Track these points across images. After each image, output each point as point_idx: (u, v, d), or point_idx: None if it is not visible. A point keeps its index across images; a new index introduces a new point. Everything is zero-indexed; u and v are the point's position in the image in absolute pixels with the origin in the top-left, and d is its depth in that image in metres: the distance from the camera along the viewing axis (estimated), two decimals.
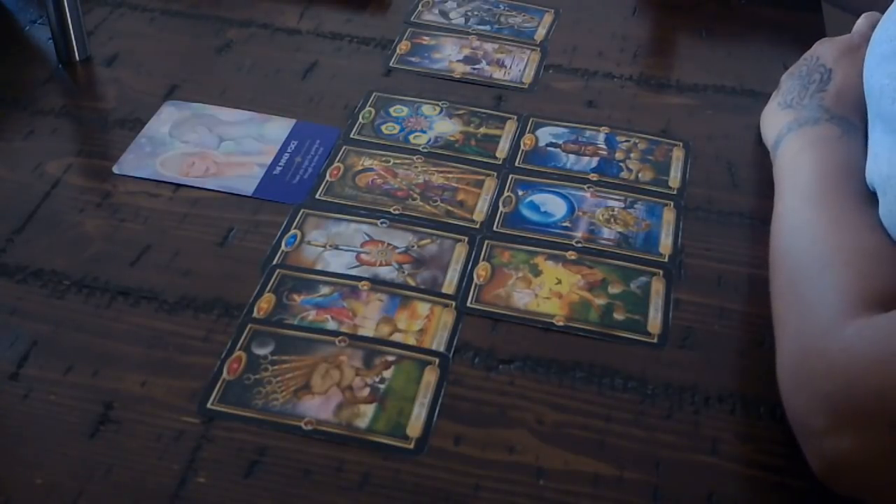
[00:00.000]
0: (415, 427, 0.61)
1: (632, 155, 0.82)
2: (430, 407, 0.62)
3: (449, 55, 0.93)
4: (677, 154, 0.82)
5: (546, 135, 0.84)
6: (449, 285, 0.70)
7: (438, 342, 0.66)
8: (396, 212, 0.76)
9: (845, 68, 0.76)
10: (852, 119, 0.72)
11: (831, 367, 0.54)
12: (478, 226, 0.75)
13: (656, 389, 0.64)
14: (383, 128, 0.84)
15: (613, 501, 0.58)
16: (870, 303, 0.56)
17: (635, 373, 0.65)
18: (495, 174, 0.79)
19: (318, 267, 0.71)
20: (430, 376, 0.64)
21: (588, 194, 0.78)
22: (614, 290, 0.70)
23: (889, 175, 0.61)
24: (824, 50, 0.79)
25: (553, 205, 0.77)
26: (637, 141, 0.83)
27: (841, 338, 0.55)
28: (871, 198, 0.64)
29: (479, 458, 0.60)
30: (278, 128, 0.84)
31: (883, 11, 0.81)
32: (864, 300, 0.56)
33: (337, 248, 0.73)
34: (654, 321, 0.68)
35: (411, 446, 0.60)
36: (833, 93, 0.75)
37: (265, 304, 0.68)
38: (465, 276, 0.71)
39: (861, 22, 0.82)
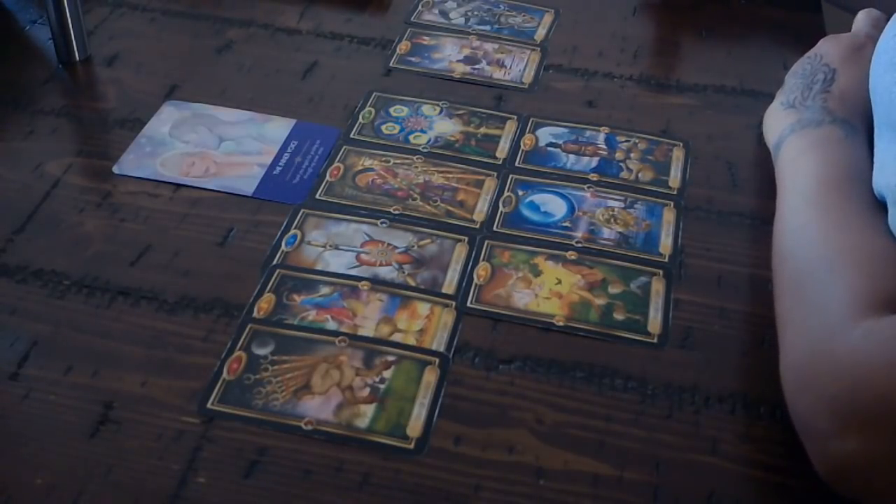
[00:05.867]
0: (415, 427, 0.61)
1: (632, 155, 0.82)
2: (430, 407, 0.62)
3: (449, 55, 0.93)
4: (677, 154, 0.82)
5: (546, 135, 0.84)
6: (449, 285, 0.70)
7: (438, 342, 0.66)
8: (396, 212, 0.76)
9: (849, 69, 0.76)
10: (855, 122, 0.72)
11: (838, 369, 0.54)
12: (478, 226, 0.75)
13: (656, 389, 0.64)
14: (383, 128, 0.84)
15: (613, 501, 0.58)
16: (879, 305, 0.56)
17: (635, 373, 0.65)
18: (495, 174, 0.79)
19: (318, 267, 0.71)
20: (430, 376, 0.64)
21: (588, 194, 0.78)
22: (614, 290, 0.70)
23: None
24: (829, 49, 0.79)
25: (553, 205, 0.77)
26: (637, 141, 0.83)
27: (848, 339, 0.55)
28: (876, 201, 0.64)
29: (479, 458, 0.60)
30: (278, 128, 0.84)
31: (882, 9, 0.81)
32: (873, 302, 0.56)
33: (337, 248, 0.73)
34: (654, 321, 0.68)
35: (411, 446, 0.60)
36: (836, 94, 0.74)
37: (265, 304, 0.68)
38: (465, 276, 0.71)
39: (861, 19, 0.82)
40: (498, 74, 0.91)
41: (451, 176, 0.79)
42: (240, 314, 0.68)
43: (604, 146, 0.83)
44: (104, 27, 0.95)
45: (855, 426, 0.53)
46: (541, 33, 0.96)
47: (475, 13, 0.99)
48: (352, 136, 0.83)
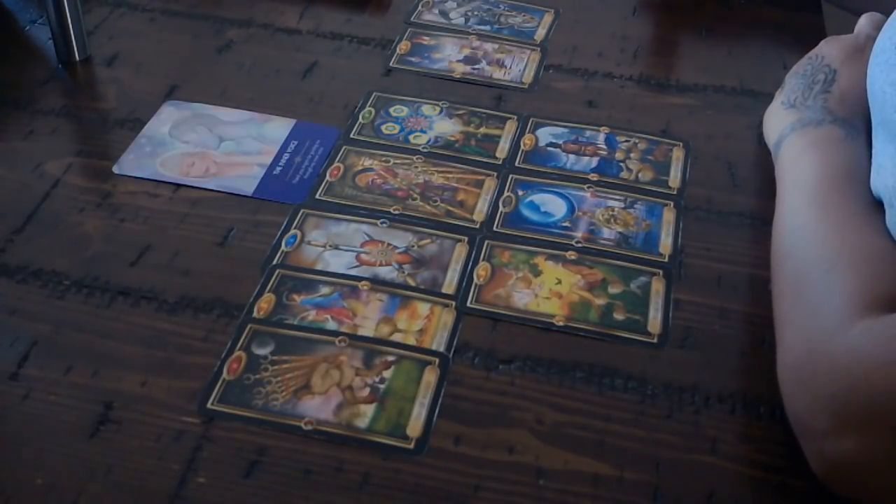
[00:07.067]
0: (415, 427, 0.61)
1: (632, 155, 0.82)
2: (430, 407, 0.62)
3: (449, 55, 0.93)
4: (677, 154, 0.82)
5: (546, 135, 0.84)
6: (449, 285, 0.70)
7: (438, 342, 0.66)
8: (396, 212, 0.76)
9: (850, 70, 0.76)
10: (855, 122, 0.72)
11: (835, 368, 0.54)
12: (478, 226, 0.75)
13: (656, 389, 0.64)
14: (383, 128, 0.84)
15: (613, 501, 0.58)
16: (876, 305, 0.56)
17: (635, 373, 0.65)
18: (495, 174, 0.79)
19: (318, 267, 0.71)
20: (430, 376, 0.64)
21: (588, 194, 0.78)
22: (614, 290, 0.70)
23: (895, 186, 0.61)
24: (830, 49, 0.79)
25: (553, 205, 0.77)
26: (637, 141, 0.83)
27: (846, 339, 0.55)
28: (875, 201, 0.64)
29: (479, 458, 0.60)
30: (278, 128, 0.84)
31: (884, 11, 0.81)
32: (871, 302, 0.56)
33: (337, 248, 0.73)
34: (654, 321, 0.68)
35: (411, 446, 0.60)
36: (837, 94, 0.74)
37: (265, 304, 0.68)
38: (465, 276, 0.71)
39: (863, 22, 0.82)
40: (498, 74, 0.91)
41: (451, 176, 0.79)
42: (240, 314, 0.68)
43: (604, 146, 0.83)
44: (104, 27, 0.95)
45: (852, 425, 0.53)
46: (541, 33, 0.96)
47: (475, 13, 0.99)
48: (352, 136, 0.83)
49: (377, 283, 0.70)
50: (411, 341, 0.66)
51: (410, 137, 0.83)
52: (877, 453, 0.52)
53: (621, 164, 0.81)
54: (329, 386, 0.63)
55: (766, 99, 0.83)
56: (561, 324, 0.68)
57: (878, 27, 0.80)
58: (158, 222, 0.75)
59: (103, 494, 0.57)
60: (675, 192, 0.79)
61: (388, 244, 0.73)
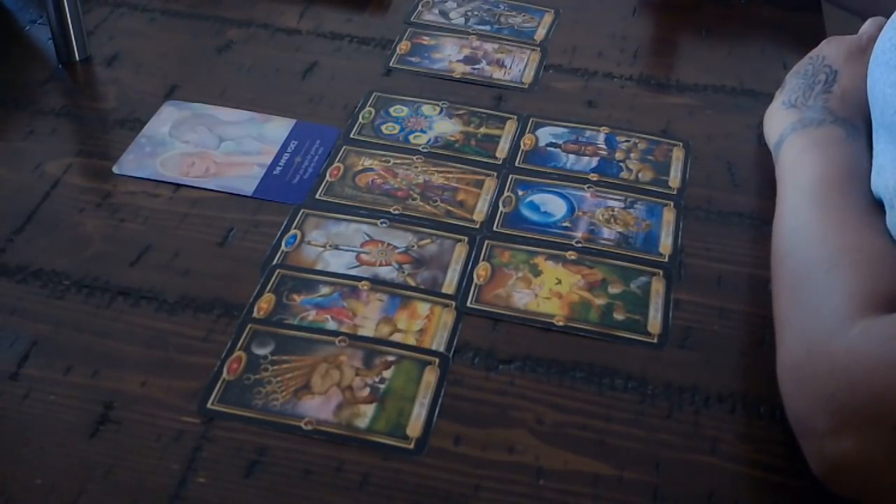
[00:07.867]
0: (415, 427, 0.61)
1: (632, 155, 0.82)
2: (430, 407, 0.62)
3: (449, 55, 0.93)
4: (677, 154, 0.82)
5: (546, 135, 0.84)
6: (449, 285, 0.70)
7: (438, 342, 0.66)
8: (396, 212, 0.76)
9: (851, 70, 0.76)
10: (856, 122, 0.72)
11: (835, 368, 0.54)
12: (478, 226, 0.75)
13: (656, 389, 0.64)
14: (383, 128, 0.84)
15: (613, 501, 0.58)
16: (876, 305, 0.56)
17: (635, 373, 0.65)
18: (495, 174, 0.79)
19: (318, 267, 0.71)
20: (430, 376, 0.64)
21: (588, 194, 0.78)
22: (614, 290, 0.70)
23: None
24: (831, 50, 0.79)
25: (553, 205, 0.77)
26: (637, 141, 0.83)
27: (846, 339, 0.55)
28: (875, 201, 0.64)
29: (479, 458, 0.60)
30: (278, 128, 0.84)
31: (883, 11, 0.81)
32: (871, 302, 0.56)
33: (337, 248, 0.73)
34: (654, 321, 0.68)
35: (411, 446, 0.60)
36: (838, 95, 0.74)
37: (265, 304, 0.68)
38: (465, 276, 0.71)
39: (868, 25, 0.82)
40: (498, 74, 0.91)
41: (451, 176, 0.79)
42: (240, 314, 0.68)
43: (604, 146, 0.83)
44: (104, 27, 0.95)
45: (852, 425, 0.53)
46: (541, 33, 0.96)
47: (475, 13, 0.99)
48: (352, 136, 0.83)
49: (377, 283, 0.70)
50: (411, 341, 0.66)
51: (410, 137, 0.83)
52: (876, 453, 0.52)
53: (621, 164, 0.81)
54: (329, 386, 0.63)
55: (766, 99, 0.83)
56: (561, 324, 0.68)
57: (882, 29, 0.80)
58: (158, 222, 0.75)
59: (103, 494, 0.57)
60: (675, 192, 0.79)
61: (388, 244, 0.73)
